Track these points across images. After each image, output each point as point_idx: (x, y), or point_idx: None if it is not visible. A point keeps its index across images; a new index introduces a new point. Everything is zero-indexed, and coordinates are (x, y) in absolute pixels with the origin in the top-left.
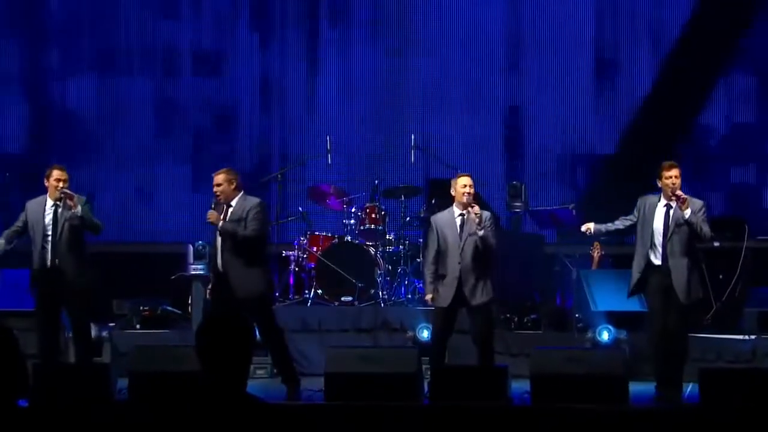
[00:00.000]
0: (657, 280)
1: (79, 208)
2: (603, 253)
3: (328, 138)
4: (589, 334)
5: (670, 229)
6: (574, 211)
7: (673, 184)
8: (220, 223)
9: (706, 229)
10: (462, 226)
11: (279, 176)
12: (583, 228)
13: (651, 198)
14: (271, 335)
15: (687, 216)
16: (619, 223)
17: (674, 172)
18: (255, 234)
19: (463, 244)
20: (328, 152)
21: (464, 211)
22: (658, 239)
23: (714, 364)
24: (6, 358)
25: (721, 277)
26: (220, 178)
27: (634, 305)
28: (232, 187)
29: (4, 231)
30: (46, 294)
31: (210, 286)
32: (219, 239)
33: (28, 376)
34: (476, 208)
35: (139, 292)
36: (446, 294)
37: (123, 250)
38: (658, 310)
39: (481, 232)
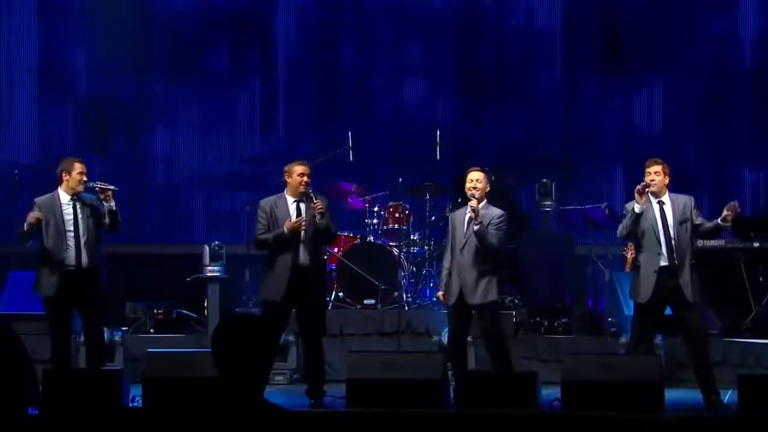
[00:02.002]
0: (662, 283)
1: (113, 202)
2: None
3: (349, 134)
4: (623, 339)
5: (671, 228)
6: (606, 210)
7: (652, 180)
8: (327, 214)
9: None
10: (469, 222)
11: None
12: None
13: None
14: (321, 338)
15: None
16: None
17: (652, 168)
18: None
19: (465, 241)
20: (349, 149)
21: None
22: (661, 239)
23: (753, 369)
24: (14, 364)
25: (761, 279)
26: (309, 169)
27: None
28: None
29: (18, 231)
30: (63, 296)
31: (281, 286)
32: (302, 233)
33: (37, 382)
34: (473, 202)
35: (153, 294)
36: (451, 291)
37: (136, 251)
38: (648, 319)
39: (476, 228)
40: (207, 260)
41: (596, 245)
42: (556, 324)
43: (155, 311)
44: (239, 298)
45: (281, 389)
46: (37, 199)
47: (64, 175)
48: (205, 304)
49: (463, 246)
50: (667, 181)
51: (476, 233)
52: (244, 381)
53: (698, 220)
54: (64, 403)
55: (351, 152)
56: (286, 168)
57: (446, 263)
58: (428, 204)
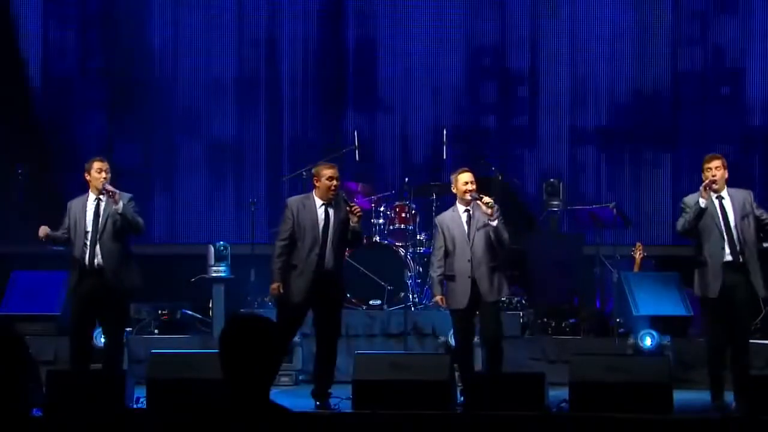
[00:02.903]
0: (728, 279)
1: (121, 204)
2: (645, 254)
3: (355, 133)
4: (631, 340)
5: (733, 222)
6: (614, 210)
7: (714, 175)
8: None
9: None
10: (469, 221)
11: (304, 174)
12: None
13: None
14: (336, 341)
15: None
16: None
17: (712, 163)
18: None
19: (473, 240)
20: (355, 148)
21: (469, 207)
22: (724, 234)
23: (763, 371)
24: (18, 367)
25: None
26: (336, 172)
27: (678, 309)
28: None
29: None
30: (83, 296)
31: (302, 287)
32: (330, 234)
33: (41, 384)
34: (486, 198)
35: (157, 295)
36: (462, 295)
37: (140, 251)
38: (721, 313)
39: (494, 222)
40: (212, 260)
41: (604, 245)
42: (563, 325)
43: (160, 312)
44: (244, 298)
45: (287, 390)
46: (70, 202)
47: (86, 176)
48: (210, 305)
49: (471, 245)
50: (726, 175)
51: (496, 228)
52: (251, 382)
53: (758, 212)
54: (68, 404)
55: (357, 152)
56: (314, 170)
57: (439, 270)
58: (435, 204)
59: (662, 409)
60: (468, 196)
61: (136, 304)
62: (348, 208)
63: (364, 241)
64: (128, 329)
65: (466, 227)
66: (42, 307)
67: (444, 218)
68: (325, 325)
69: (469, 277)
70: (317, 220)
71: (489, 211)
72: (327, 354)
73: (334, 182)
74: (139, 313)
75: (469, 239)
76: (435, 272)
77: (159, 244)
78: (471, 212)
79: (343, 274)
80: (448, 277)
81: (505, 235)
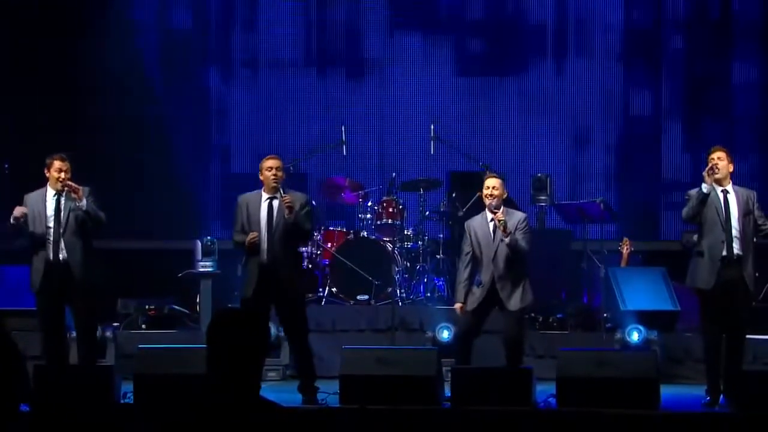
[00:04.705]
0: (724, 273)
1: (85, 201)
2: (633, 249)
3: (342, 128)
4: (618, 335)
5: (736, 218)
6: (602, 206)
7: (716, 164)
8: (304, 211)
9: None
10: (495, 230)
11: (290, 168)
12: None
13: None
14: (305, 335)
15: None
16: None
17: (715, 154)
18: (312, 232)
19: (496, 249)
20: (342, 143)
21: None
22: (725, 227)
23: (751, 366)
24: (5, 360)
25: (756, 274)
26: (279, 162)
27: (666, 304)
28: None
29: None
30: (50, 291)
31: (253, 285)
32: (273, 228)
33: (28, 379)
34: (498, 215)
35: (144, 290)
36: (475, 297)
37: (127, 246)
38: (718, 310)
39: (506, 240)
40: (199, 256)
41: (591, 240)
42: (551, 320)
43: (147, 307)
44: (232, 293)
45: (274, 385)
46: (27, 196)
47: (46, 171)
48: (198, 300)
49: (494, 256)
50: (731, 168)
51: (509, 245)
52: (238, 376)
53: (758, 213)
54: (55, 399)
55: (344, 147)
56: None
57: (464, 275)
58: (422, 199)
59: (649, 404)
60: (487, 202)
61: (123, 299)
62: (281, 198)
63: (314, 236)
64: (115, 324)
65: (492, 234)
66: (28, 302)
67: (472, 223)
68: (287, 324)
69: (489, 283)
70: (259, 215)
71: (501, 228)
72: (299, 350)
73: (273, 172)
74: (126, 309)
75: (492, 248)
76: (461, 275)
77: (146, 239)
78: (497, 221)
79: (298, 270)
80: (476, 282)
81: (522, 248)
